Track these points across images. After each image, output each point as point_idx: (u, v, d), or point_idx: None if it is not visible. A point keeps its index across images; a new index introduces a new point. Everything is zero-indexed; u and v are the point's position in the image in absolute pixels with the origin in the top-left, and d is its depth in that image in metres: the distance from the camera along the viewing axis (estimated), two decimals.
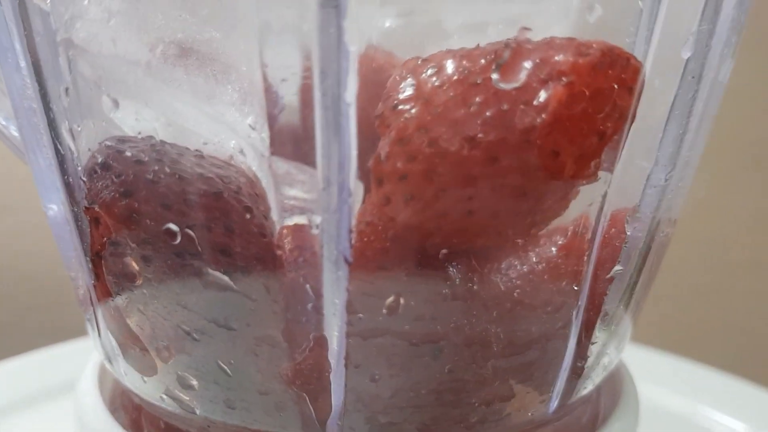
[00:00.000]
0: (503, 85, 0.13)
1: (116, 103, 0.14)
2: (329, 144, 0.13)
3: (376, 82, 0.15)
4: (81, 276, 0.17)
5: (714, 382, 0.34)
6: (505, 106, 0.13)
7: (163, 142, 0.16)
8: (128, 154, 0.15)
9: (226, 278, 0.15)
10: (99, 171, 0.15)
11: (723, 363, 0.36)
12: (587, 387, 0.18)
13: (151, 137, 0.15)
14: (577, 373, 0.17)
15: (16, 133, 0.19)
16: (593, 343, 0.17)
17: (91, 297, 0.17)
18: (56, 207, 0.17)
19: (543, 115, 0.13)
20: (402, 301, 0.14)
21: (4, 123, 0.20)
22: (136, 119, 0.15)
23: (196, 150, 0.16)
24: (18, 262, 0.50)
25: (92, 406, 0.19)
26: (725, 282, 0.49)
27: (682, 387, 0.34)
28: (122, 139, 0.16)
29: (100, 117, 0.15)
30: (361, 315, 0.14)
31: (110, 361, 0.18)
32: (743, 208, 0.47)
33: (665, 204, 0.16)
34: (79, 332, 0.21)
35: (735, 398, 0.33)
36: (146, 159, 0.15)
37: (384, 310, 0.14)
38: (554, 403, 0.17)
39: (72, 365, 0.24)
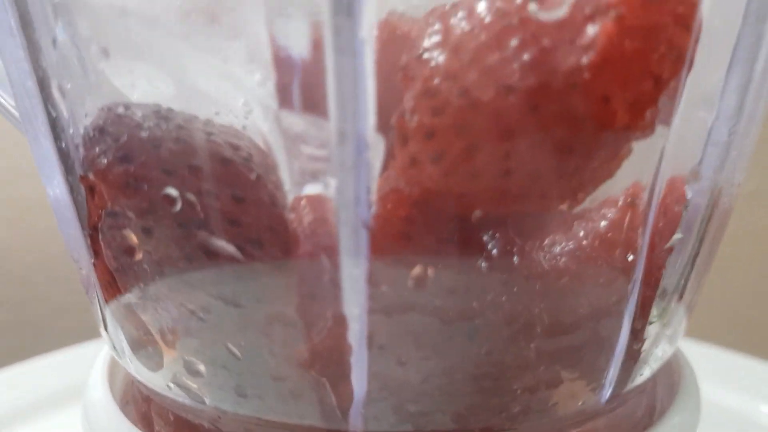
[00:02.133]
0: (543, 15, 0.11)
1: (105, 53, 0.13)
2: (343, 90, 0.11)
3: (399, 52, 0.14)
4: (82, 256, 0.16)
5: None
6: (546, 46, 0.12)
7: (169, 110, 0.14)
8: (127, 116, 0.14)
9: (234, 250, 0.13)
10: (95, 135, 0.14)
11: None
12: (643, 374, 0.16)
13: (156, 105, 0.14)
14: (633, 357, 0.15)
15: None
16: (651, 323, 0.15)
17: (92, 279, 0.16)
18: (56, 181, 0.16)
19: (590, 54, 0.11)
20: (430, 272, 0.13)
21: (10, 102, 0.19)
22: (132, 81, 0.14)
23: (206, 119, 0.14)
24: (52, 262, 0.50)
25: (101, 400, 0.18)
26: None
27: (742, 384, 0.32)
28: (124, 105, 0.14)
29: (91, 72, 0.13)
30: (384, 288, 0.13)
31: (116, 349, 0.17)
32: None
33: (728, 164, 0.14)
34: None
35: None
36: (147, 123, 0.14)
37: (410, 283, 0.13)
38: (607, 392, 0.15)
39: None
